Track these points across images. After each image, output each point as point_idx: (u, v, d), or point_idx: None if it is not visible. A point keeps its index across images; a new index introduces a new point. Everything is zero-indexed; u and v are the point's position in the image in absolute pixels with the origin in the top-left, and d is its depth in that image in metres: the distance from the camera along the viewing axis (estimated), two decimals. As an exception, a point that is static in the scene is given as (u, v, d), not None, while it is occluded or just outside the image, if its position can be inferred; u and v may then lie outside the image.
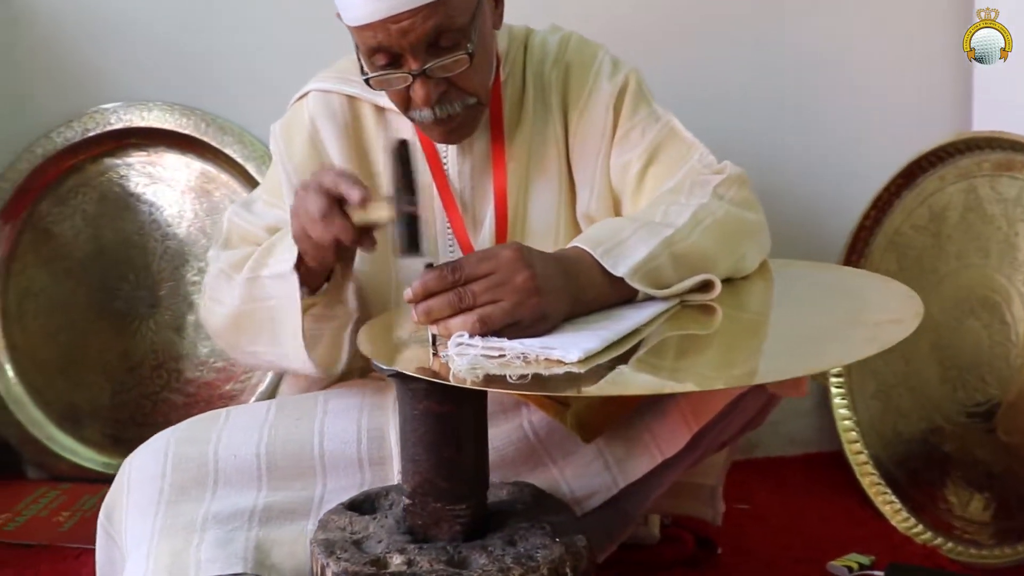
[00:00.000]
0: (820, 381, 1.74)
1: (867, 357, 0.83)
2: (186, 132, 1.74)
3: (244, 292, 1.11)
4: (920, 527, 1.56)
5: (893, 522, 1.59)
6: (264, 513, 1.05)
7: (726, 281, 1.07)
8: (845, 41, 1.77)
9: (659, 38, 1.72)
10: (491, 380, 0.83)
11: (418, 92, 1.08)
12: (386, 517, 0.99)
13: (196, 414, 1.19)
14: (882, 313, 0.99)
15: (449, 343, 0.87)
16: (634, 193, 1.19)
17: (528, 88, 1.22)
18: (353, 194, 0.95)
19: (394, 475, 1.09)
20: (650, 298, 1.00)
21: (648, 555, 1.43)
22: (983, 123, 1.69)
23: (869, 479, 1.65)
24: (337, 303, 1.11)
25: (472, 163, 1.21)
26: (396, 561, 0.90)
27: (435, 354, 0.90)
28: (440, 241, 1.23)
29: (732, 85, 1.75)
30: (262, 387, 1.77)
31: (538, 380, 0.82)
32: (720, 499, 1.31)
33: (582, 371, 0.83)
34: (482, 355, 0.85)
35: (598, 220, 1.17)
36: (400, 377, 0.91)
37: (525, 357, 0.85)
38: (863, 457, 1.67)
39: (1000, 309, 1.52)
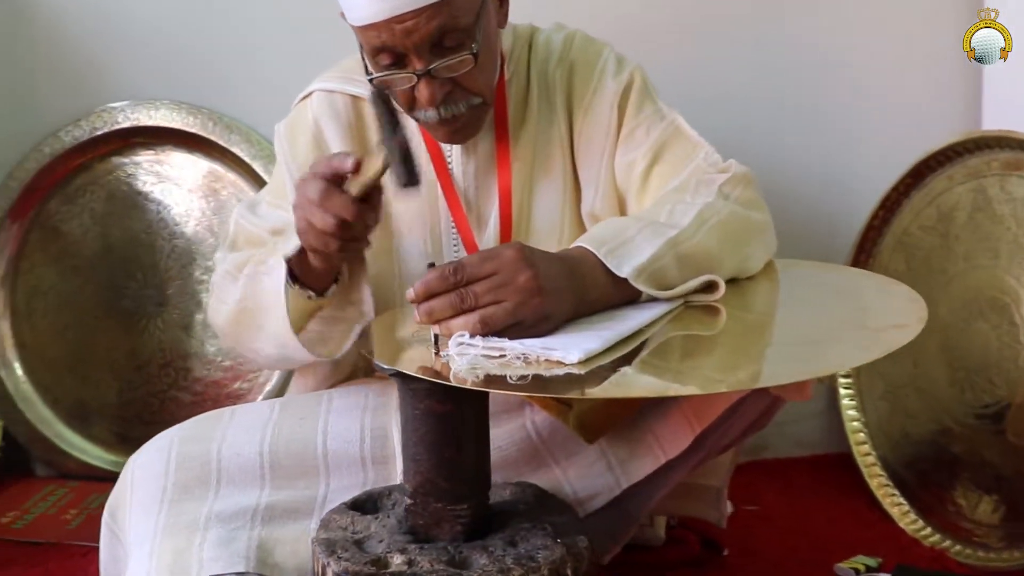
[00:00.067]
0: (826, 383, 1.73)
1: (867, 362, 0.82)
2: (193, 131, 1.75)
3: (244, 288, 1.11)
4: (928, 529, 1.54)
5: (901, 524, 1.58)
6: (267, 512, 1.05)
7: (731, 281, 1.07)
8: (854, 40, 1.76)
9: (665, 37, 1.72)
10: (491, 380, 0.82)
11: (423, 92, 1.08)
12: (388, 517, 0.99)
13: (203, 412, 1.19)
14: (886, 317, 0.98)
15: (450, 343, 0.87)
16: (639, 192, 1.19)
17: (533, 87, 1.22)
18: (346, 162, 0.96)
19: (397, 475, 1.09)
20: (654, 297, 1.00)
21: (653, 556, 1.42)
22: (992, 122, 1.68)
23: (877, 480, 1.64)
24: (347, 304, 1.11)
25: (476, 162, 1.21)
26: (397, 561, 0.90)
27: (437, 354, 0.90)
28: (445, 240, 1.23)
29: (739, 84, 1.74)
30: (269, 386, 1.77)
31: (539, 381, 0.82)
32: (725, 501, 1.31)
33: (582, 372, 0.83)
34: (482, 355, 0.85)
35: (603, 219, 1.17)
36: (401, 377, 0.91)
37: (526, 357, 0.85)
38: (871, 459, 1.66)
39: (1009, 310, 1.51)
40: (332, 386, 1.25)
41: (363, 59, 1.10)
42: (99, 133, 1.75)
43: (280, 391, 1.71)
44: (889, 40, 1.76)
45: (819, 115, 1.77)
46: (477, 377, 0.83)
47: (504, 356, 0.85)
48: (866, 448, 1.67)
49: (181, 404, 1.77)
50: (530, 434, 1.12)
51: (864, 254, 1.71)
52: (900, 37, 1.76)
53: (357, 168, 0.96)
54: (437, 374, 0.87)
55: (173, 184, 1.78)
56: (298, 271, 1.06)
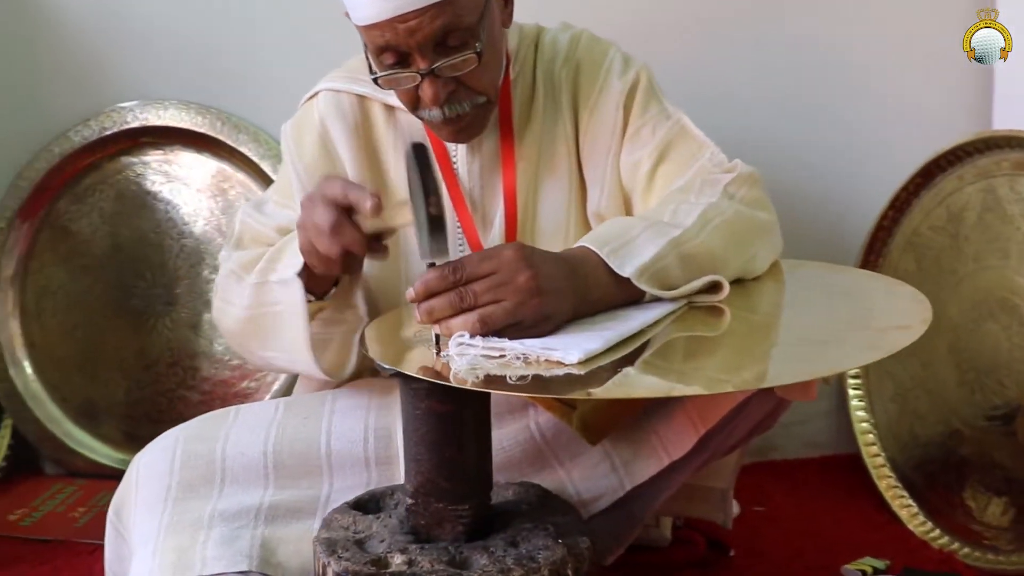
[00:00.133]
0: (833, 384, 1.72)
1: (870, 363, 0.81)
2: (202, 131, 1.75)
3: (253, 297, 1.11)
4: (937, 531, 1.53)
5: (910, 526, 1.57)
6: (270, 511, 1.05)
7: (737, 282, 1.06)
8: (863, 39, 1.75)
9: (673, 36, 1.71)
10: (491, 381, 0.82)
11: (426, 91, 1.07)
12: (390, 517, 0.99)
13: (211, 411, 1.20)
14: (890, 318, 0.98)
15: (450, 343, 0.87)
16: (644, 192, 1.18)
17: (538, 86, 1.21)
18: (365, 204, 0.93)
19: (400, 475, 1.08)
20: (658, 298, 0.99)
21: (659, 557, 1.42)
22: (1003, 122, 1.67)
23: (886, 482, 1.63)
24: (347, 307, 1.11)
25: (482, 162, 1.21)
26: (397, 561, 0.90)
27: (438, 354, 0.90)
28: (450, 240, 1.22)
29: (747, 84, 1.73)
30: (277, 385, 1.78)
31: (539, 381, 0.82)
32: (731, 502, 1.30)
33: (582, 372, 0.83)
34: (482, 355, 0.85)
35: (608, 219, 1.16)
36: (402, 377, 0.90)
37: (526, 358, 0.84)
38: (880, 460, 1.65)
39: (1019, 311, 1.50)
40: (337, 386, 1.25)
41: (367, 58, 1.10)
42: (108, 133, 1.75)
43: (288, 390, 1.71)
44: (899, 39, 1.75)
45: (828, 115, 1.76)
46: (477, 377, 0.82)
47: (504, 356, 0.85)
48: (875, 449, 1.66)
49: (189, 403, 1.77)
50: (534, 435, 1.11)
51: (874, 254, 1.70)
52: (910, 36, 1.75)
53: (377, 208, 0.93)
54: (438, 374, 0.86)
55: (182, 184, 1.79)
56: (301, 278, 1.06)
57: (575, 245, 1.00)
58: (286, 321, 1.08)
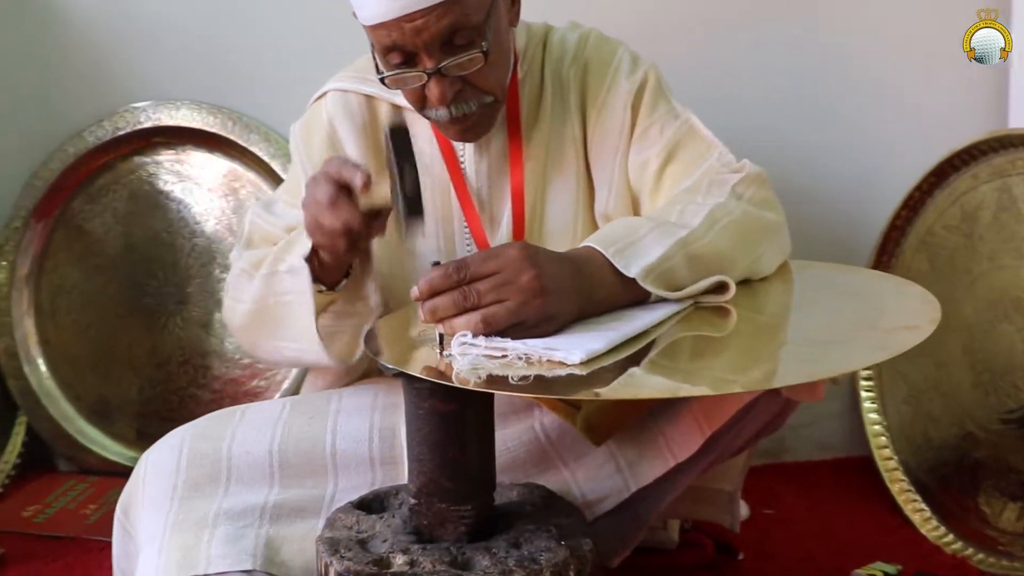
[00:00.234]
0: (842, 385, 1.71)
1: (877, 364, 0.80)
2: (213, 130, 1.76)
3: (262, 288, 1.12)
4: (950, 536, 1.52)
5: (923, 530, 1.55)
6: (275, 510, 1.05)
7: (744, 282, 1.05)
8: (877, 37, 1.73)
9: (684, 35, 1.70)
10: (493, 381, 0.82)
11: (433, 91, 1.07)
12: (393, 517, 0.99)
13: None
14: (898, 319, 0.97)
15: (452, 343, 0.87)
16: (652, 192, 1.18)
17: (546, 86, 1.21)
18: (356, 179, 0.96)
19: (405, 474, 1.08)
20: (663, 299, 0.99)
21: (666, 560, 1.41)
22: (1018, 120, 1.65)
23: (898, 485, 1.61)
24: (357, 299, 1.12)
25: (489, 161, 1.20)
26: (399, 561, 0.90)
27: (441, 353, 0.89)
28: (457, 240, 1.22)
29: (759, 83, 1.72)
30: (287, 383, 1.78)
31: (541, 381, 0.81)
32: (739, 505, 1.29)
33: (584, 373, 0.82)
34: (484, 355, 0.84)
35: (616, 219, 1.16)
36: (405, 376, 0.90)
37: (528, 358, 0.84)
38: (893, 463, 1.64)
39: (1035, 312, 1.48)
40: (345, 385, 1.25)
41: (374, 58, 1.10)
42: (121, 133, 1.77)
43: (297, 389, 1.72)
44: (913, 38, 1.73)
45: (841, 114, 1.75)
46: (479, 377, 0.82)
47: (506, 356, 0.84)
48: (887, 452, 1.65)
49: (200, 402, 1.78)
50: (538, 435, 1.11)
51: (887, 254, 1.68)
52: (924, 35, 1.73)
53: (366, 185, 0.96)
54: (441, 374, 0.86)
55: (193, 183, 1.80)
56: (310, 266, 1.06)
57: (581, 244, 1.00)
58: (294, 309, 1.08)
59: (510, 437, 1.10)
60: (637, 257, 0.96)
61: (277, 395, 1.77)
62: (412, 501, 0.95)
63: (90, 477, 1.75)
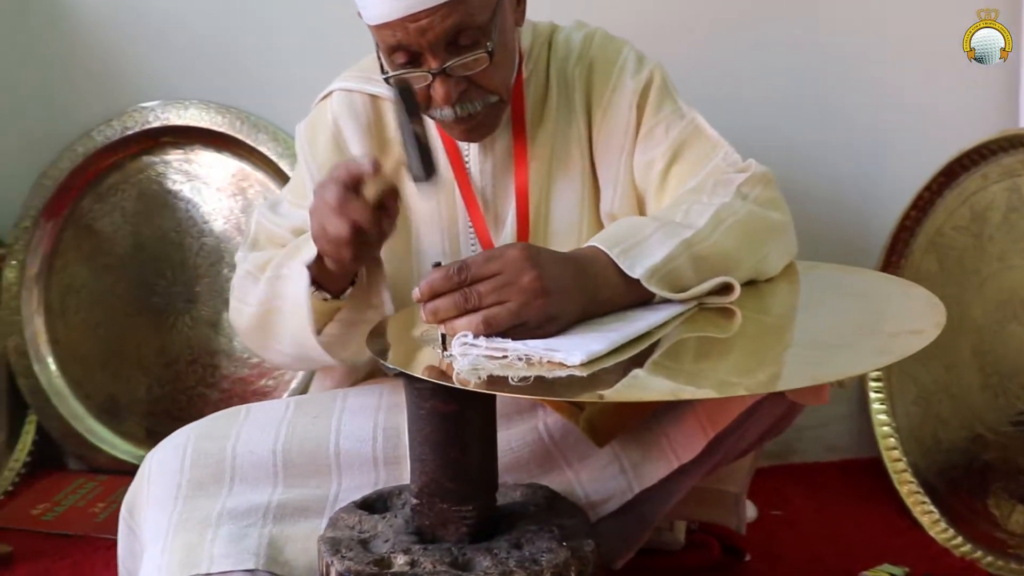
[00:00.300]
0: (848, 387, 1.69)
1: (882, 367, 0.79)
2: (221, 130, 1.77)
3: (267, 291, 1.12)
4: (960, 539, 1.51)
5: (931, 533, 1.54)
6: (279, 510, 1.06)
7: (750, 283, 1.05)
8: (885, 37, 1.72)
9: (690, 34, 1.70)
10: (494, 382, 0.82)
11: (438, 91, 1.07)
12: (396, 517, 0.98)
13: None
14: (903, 322, 0.96)
15: (453, 343, 0.87)
16: (658, 192, 1.17)
17: (552, 85, 1.21)
18: (364, 164, 0.96)
19: (408, 475, 1.08)
20: (668, 299, 0.98)
21: (672, 561, 1.41)
22: (1030, 120, 1.64)
23: (907, 487, 1.60)
24: (367, 307, 1.11)
25: (494, 161, 1.20)
26: (400, 561, 0.89)
27: (443, 354, 0.89)
28: (462, 240, 1.22)
29: (767, 83, 1.72)
30: (295, 383, 1.79)
31: (541, 383, 0.81)
32: (744, 506, 1.29)
33: (585, 374, 0.82)
34: (485, 356, 0.84)
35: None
36: (407, 377, 0.90)
37: (528, 359, 0.84)
38: (902, 465, 1.63)
39: (1045, 313, 1.47)
40: (351, 385, 1.25)
41: (379, 58, 1.10)
42: (130, 133, 1.77)
43: (305, 388, 1.72)
44: (922, 37, 1.72)
45: (850, 114, 1.74)
46: (479, 378, 0.82)
47: (506, 357, 0.84)
48: (896, 454, 1.64)
49: (208, 401, 1.79)
50: (542, 436, 1.11)
51: (896, 255, 1.67)
52: (933, 34, 1.72)
53: (377, 169, 0.96)
54: (442, 375, 0.86)
55: (202, 183, 1.81)
56: (315, 274, 1.06)
57: (585, 244, 0.99)
58: (294, 315, 1.08)
59: (514, 438, 1.10)
60: (641, 257, 0.96)
61: (286, 394, 1.78)
62: (414, 501, 0.95)
63: (99, 476, 1.76)
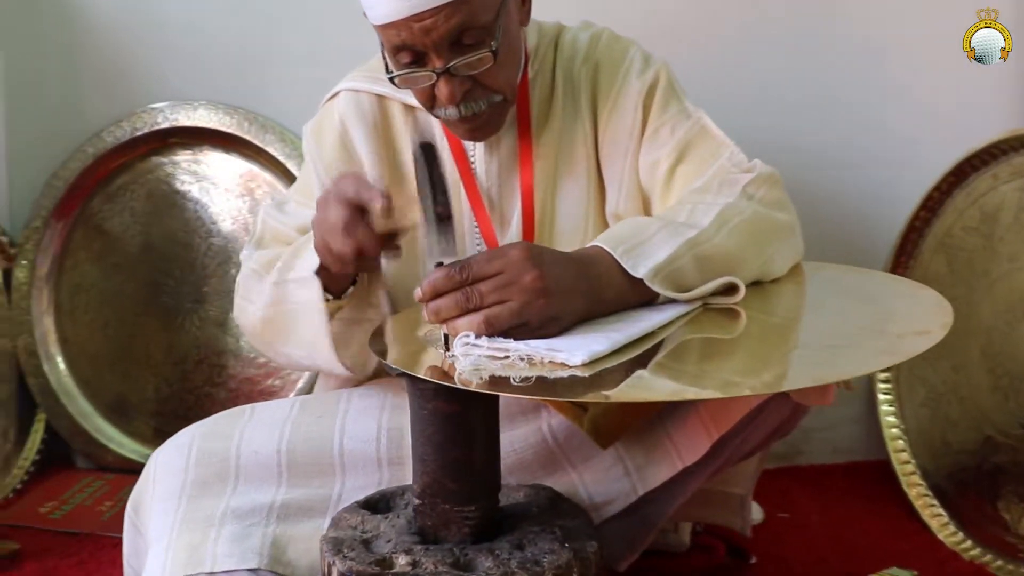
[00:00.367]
0: (855, 388, 1.68)
1: (886, 368, 0.79)
2: (229, 131, 1.77)
3: (272, 295, 1.12)
4: (969, 542, 1.49)
5: (940, 536, 1.53)
6: (282, 510, 1.06)
7: (756, 284, 1.04)
8: (894, 35, 1.71)
9: (697, 34, 1.69)
10: (495, 382, 0.81)
11: (442, 90, 1.07)
12: (398, 517, 0.98)
13: (231, 409, 1.21)
14: (909, 323, 0.95)
15: (455, 343, 0.86)
16: (663, 192, 1.17)
17: (557, 85, 1.21)
18: (375, 203, 0.95)
19: (411, 475, 1.08)
20: (672, 300, 0.98)
21: (677, 563, 1.40)
22: (1040, 119, 1.63)
23: (916, 490, 1.59)
24: (367, 306, 1.11)
25: (500, 161, 1.20)
26: (401, 562, 0.89)
27: (446, 354, 0.89)
28: (468, 240, 1.22)
29: (775, 82, 1.71)
30: (301, 383, 1.79)
31: (543, 383, 0.81)
32: (750, 508, 1.28)
33: (586, 375, 0.82)
34: (486, 356, 0.84)
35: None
36: (409, 377, 0.90)
37: (530, 359, 0.83)
38: (910, 467, 1.61)
39: (1055, 314, 1.46)
40: (356, 386, 1.25)
41: (384, 57, 1.10)
42: (139, 133, 1.78)
43: (311, 388, 1.72)
44: (931, 35, 1.71)
45: (859, 114, 1.73)
46: (481, 378, 0.82)
47: (508, 357, 0.84)
48: (905, 456, 1.63)
49: (216, 400, 1.80)
50: (546, 437, 1.10)
51: (905, 256, 1.66)
52: (942, 33, 1.71)
53: (386, 210, 0.94)
54: (444, 375, 0.86)
55: (210, 183, 1.81)
56: (318, 277, 1.06)
57: (589, 244, 0.99)
58: (304, 318, 1.08)
59: (517, 439, 1.10)
60: (645, 257, 0.96)
61: (292, 394, 1.78)
62: (416, 502, 0.95)
63: (107, 474, 1.77)
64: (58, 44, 1.78)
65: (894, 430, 1.65)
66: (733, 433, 1.06)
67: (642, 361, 0.86)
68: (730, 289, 0.99)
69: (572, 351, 0.83)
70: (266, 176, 1.80)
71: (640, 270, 0.94)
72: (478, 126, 1.13)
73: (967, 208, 1.59)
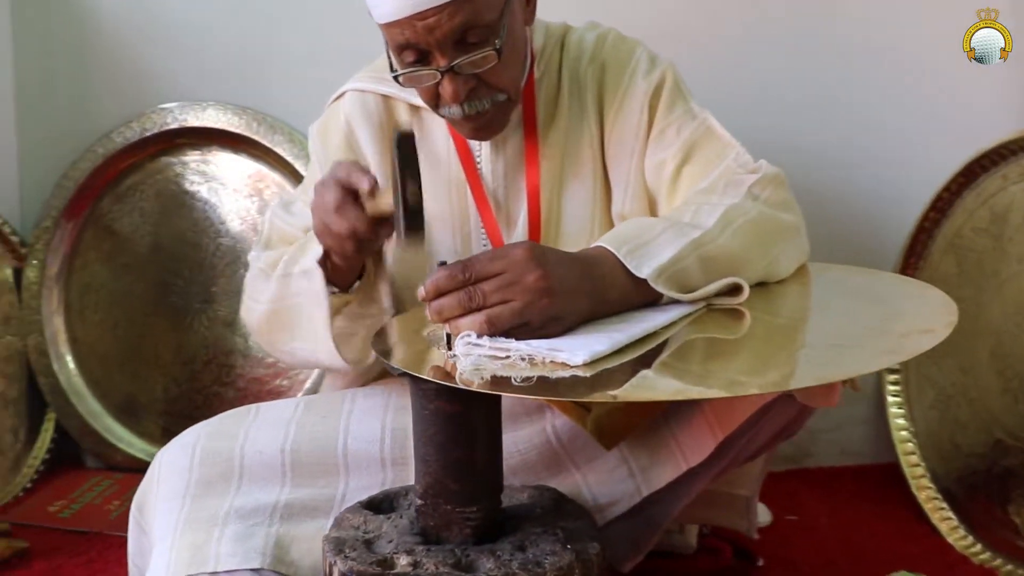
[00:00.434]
0: (862, 390, 1.67)
1: (888, 367, 0.78)
2: (238, 131, 1.78)
3: (277, 290, 1.12)
4: (979, 546, 1.48)
5: (949, 539, 1.52)
6: (286, 510, 1.06)
7: (761, 285, 1.03)
8: (903, 35, 1.70)
9: (704, 34, 1.69)
10: (497, 382, 0.81)
11: (447, 89, 1.07)
12: (401, 517, 0.98)
13: (238, 409, 1.21)
14: (914, 322, 0.94)
15: (457, 342, 0.86)
16: (669, 192, 1.17)
17: (563, 86, 1.20)
18: (362, 184, 0.96)
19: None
20: (676, 300, 0.97)
21: (682, 565, 1.39)
22: (1051, 119, 1.61)
23: (925, 493, 1.58)
24: (371, 301, 1.12)
25: (506, 161, 1.20)
26: (403, 562, 0.89)
27: (448, 354, 0.89)
28: (474, 239, 1.22)
29: (782, 82, 1.70)
30: (309, 383, 1.79)
31: (544, 383, 0.81)
32: (755, 510, 1.27)
33: (588, 375, 0.81)
34: (488, 356, 0.84)
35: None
36: (411, 377, 0.90)
37: (531, 359, 0.83)
38: (920, 470, 1.60)
39: (1065, 316, 1.44)
40: (361, 386, 1.25)
41: (389, 56, 1.10)
42: (149, 134, 1.80)
43: (318, 388, 1.73)
44: (940, 36, 1.70)
45: (868, 114, 1.72)
46: (482, 378, 0.81)
47: (509, 357, 0.84)
48: (914, 459, 1.61)
49: (224, 400, 1.80)
50: (550, 438, 1.10)
51: (914, 257, 1.65)
52: (951, 33, 1.69)
53: (372, 191, 0.96)
54: (446, 375, 0.86)
55: (219, 184, 1.82)
56: (323, 269, 1.07)
57: (593, 244, 0.99)
58: (308, 310, 1.08)
59: (521, 439, 1.09)
60: (649, 258, 0.95)
61: (300, 394, 1.79)
62: (418, 502, 0.94)
63: (116, 474, 1.78)
64: (68, 45, 1.79)
65: (903, 432, 1.64)
66: (738, 434, 1.06)
67: (646, 361, 0.86)
68: (734, 290, 0.98)
69: (573, 351, 0.83)
70: (275, 176, 1.81)
71: (644, 270, 0.94)
72: (482, 125, 1.12)
73: (977, 209, 1.58)
